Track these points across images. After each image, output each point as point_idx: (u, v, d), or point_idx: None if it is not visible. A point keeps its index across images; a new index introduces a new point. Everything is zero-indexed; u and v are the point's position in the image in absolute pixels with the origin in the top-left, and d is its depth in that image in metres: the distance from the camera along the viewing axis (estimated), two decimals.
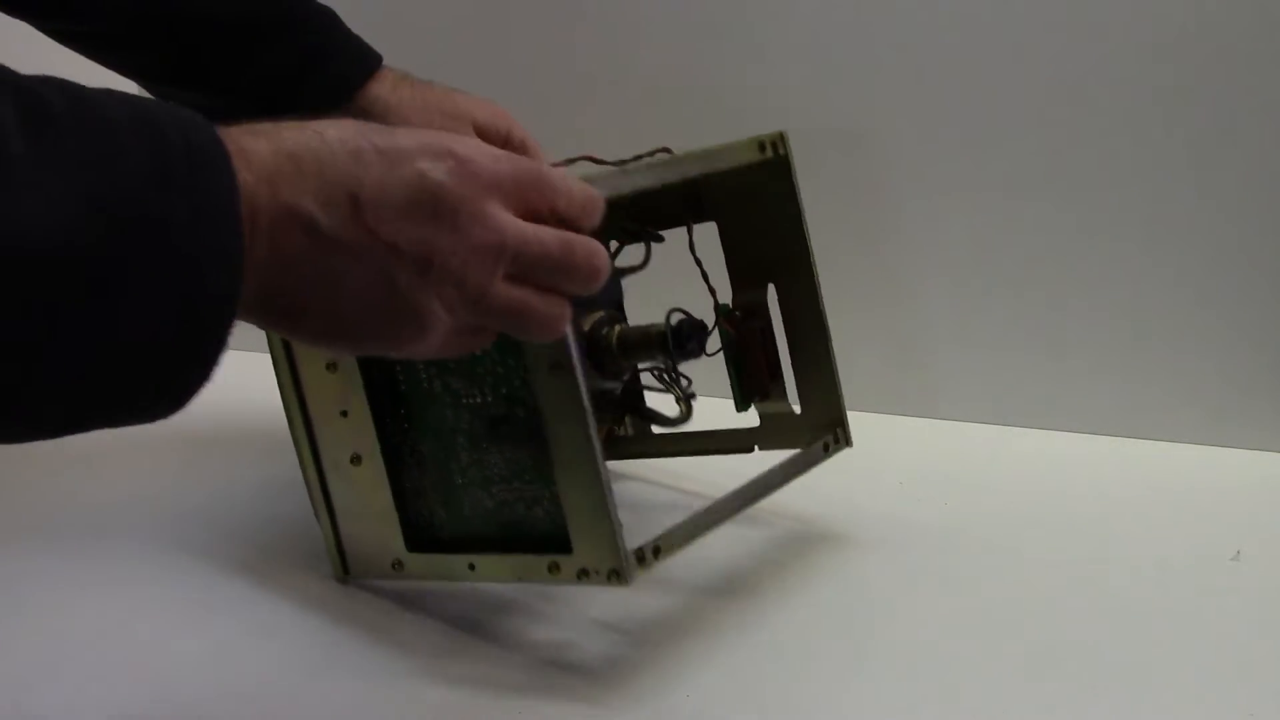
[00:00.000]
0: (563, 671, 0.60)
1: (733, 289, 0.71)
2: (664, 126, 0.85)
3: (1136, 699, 0.58)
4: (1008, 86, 0.77)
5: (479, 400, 0.61)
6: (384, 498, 0.64)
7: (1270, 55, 0.73)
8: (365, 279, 0.42)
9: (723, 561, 0.69)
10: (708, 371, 0.69)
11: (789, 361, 0.71)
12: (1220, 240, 0.78)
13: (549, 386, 0.54)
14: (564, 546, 0.57)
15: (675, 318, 0.66)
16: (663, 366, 0.70)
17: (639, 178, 0.58)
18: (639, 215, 0.70)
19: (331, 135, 0.42)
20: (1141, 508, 0.74)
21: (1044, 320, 0.82)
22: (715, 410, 0.73)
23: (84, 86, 0.38)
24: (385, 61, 0.74)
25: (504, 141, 0.74)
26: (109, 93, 0.38)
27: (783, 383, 0.71)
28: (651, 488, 0.80)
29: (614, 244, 0.71)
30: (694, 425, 0.72)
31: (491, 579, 0.62)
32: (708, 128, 0.84)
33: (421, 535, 0.65)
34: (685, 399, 0.72)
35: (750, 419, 0.72)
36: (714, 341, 0.68)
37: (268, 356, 0.64)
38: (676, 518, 0.60)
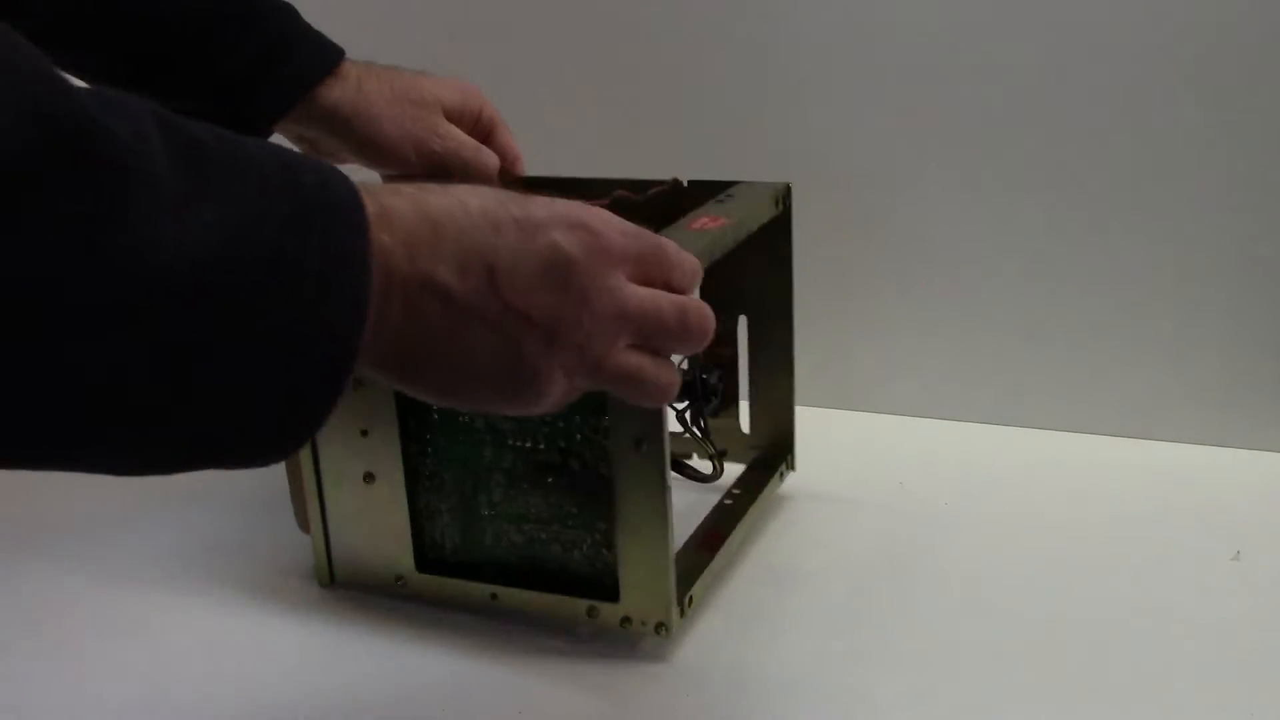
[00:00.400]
0: (563, 671, 0.60)
1: None
2: (658, 129, 0.85)
3: (1137, 699, 0.58)
4: (1008, 85, 0.77)
5: (529, 445, 0.61)
6: (397, 518, 0.64)
7: (1270, 55, 0.73)
8: (494, 345, 0.43)
9: (721, 558, 0.68)
10: None
11: (745, 385, 0.75)
12: (1220, 240, 0.78)
13: (631, 459, 0.57)
14: (604, 593, 0.60)
15: (690, 363, 0.66)
16: (687, 416, 0.69)
17: (715, 247, 0.60)
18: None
19: (473, 204, 0.43)
20: (1141, 508, 0.74)
21: (1044, 320, 0.82)
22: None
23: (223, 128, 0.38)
24: (369, 54, 0.72)
25: (474, 122, 0.73)
26: (249, 137, 0.39)
27: (736, 405, 0.75)
28: None
29: None
30: None
31: (514, 610, 0.63)
32: (699, 132, 0.84)
33: (430, 556, 0.65)
34: (717, 455, 0.71)
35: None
36: None
37: None
38: None
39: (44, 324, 0.32)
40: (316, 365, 0.38)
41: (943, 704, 0.58)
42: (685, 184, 0.70)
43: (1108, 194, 0.78)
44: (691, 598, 0.61)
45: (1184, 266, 0.79)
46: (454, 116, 0.71)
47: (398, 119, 0.69)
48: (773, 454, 0.74)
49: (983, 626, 0.63)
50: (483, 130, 0.73)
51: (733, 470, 0.73)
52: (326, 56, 0.70)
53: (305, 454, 0.64)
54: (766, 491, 0.72)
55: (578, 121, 0.87)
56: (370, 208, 0.39)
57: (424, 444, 0.63)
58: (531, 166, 0.75)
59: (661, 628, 0.60)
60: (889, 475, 0.77)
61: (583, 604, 0.61)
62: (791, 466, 0.75)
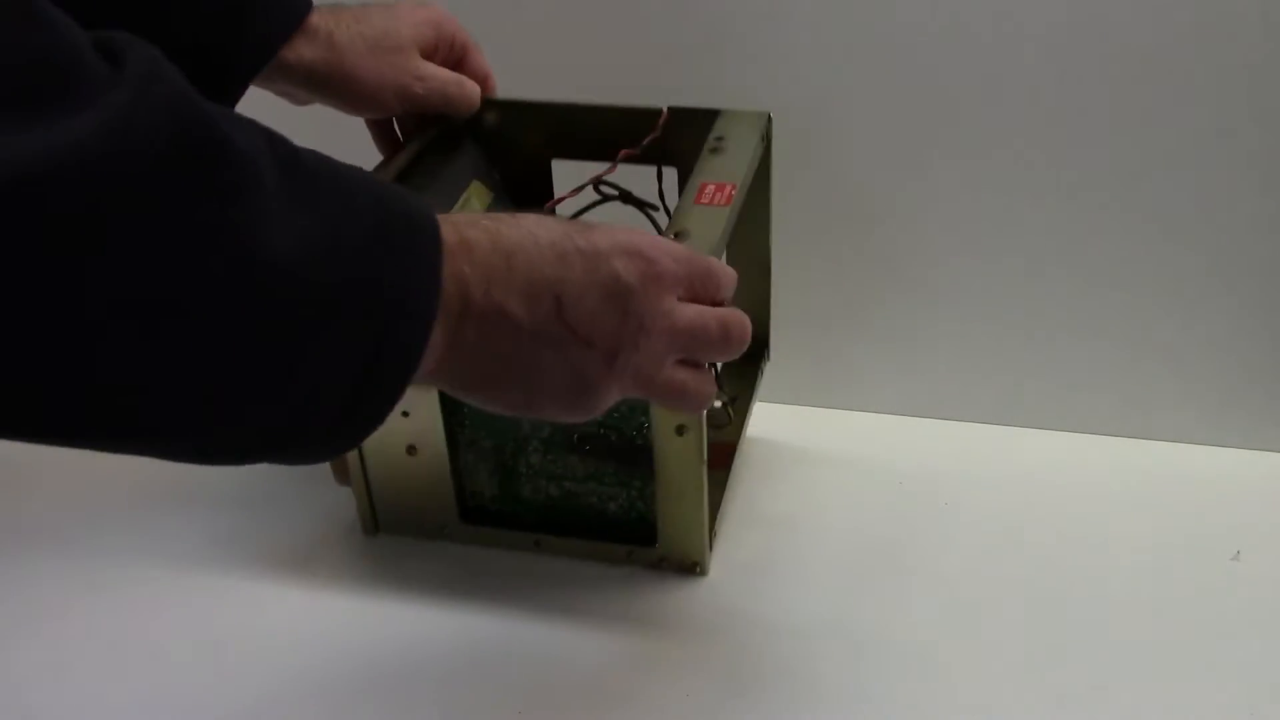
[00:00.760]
0: (563, 672, 0.60)
1: None
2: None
3: (1137, 698, 0.58)
4: (1009, 83, 0.77)
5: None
6: (440, 480, 0.67)
7: (1270, 55, 0.73)
8: (558, 366, 0.47)
9: (722, 562, 0.69)
10: None
11: None
12: (1221, 240, 0.78)
13: (673, 443, 0.62)
14: (640, 538, 0.66)
15: None
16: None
17: (730, 225, 0.62)
18: (597, 141, 0.70)
19: (543, 237, 0.47)
20: (1141, 508, 0.74)
21: (1044, 320, 0.82)
22: None
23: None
24: None
25: (449, 50, 0.71)
26: (340, 162, 0.43)
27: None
28: None
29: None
30: None
31: (556, 554, 0.68)
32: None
33: (471, 505, 0.69)
34: (729, 401, 0.71)
35: None
36: None
37: None
38: None
39: (159, 316, 0.36)
40: (378, 374, 0.41)
41: (942, 704, 0.58)
42: (666, 110, 0.70)
43: (1108, 194, 0.78)
44: (715, 531, 0.68)
45: (1184, 266, 0.79)
46: (430, 53, 0.70)
47: (375, 69, 0.67)
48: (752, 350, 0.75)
49: (982, 626, 0.63)
50: (455, 56, 0.72)
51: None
52: (291, 12, 0.67)
53: None
54: (756, 385, 0.75)
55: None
56: (449, 238, 0.44)
57: (462, 418, 0.66)
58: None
59: (696, 567, 0.67)
60: (889, 475, 0.77)
61: (621, 549, 0.67)
62: (768, 357, 0.77)
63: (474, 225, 0.46)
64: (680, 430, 0.61)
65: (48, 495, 0.76)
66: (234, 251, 0.37)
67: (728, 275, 0.54)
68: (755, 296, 0.75)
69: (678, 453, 0.62)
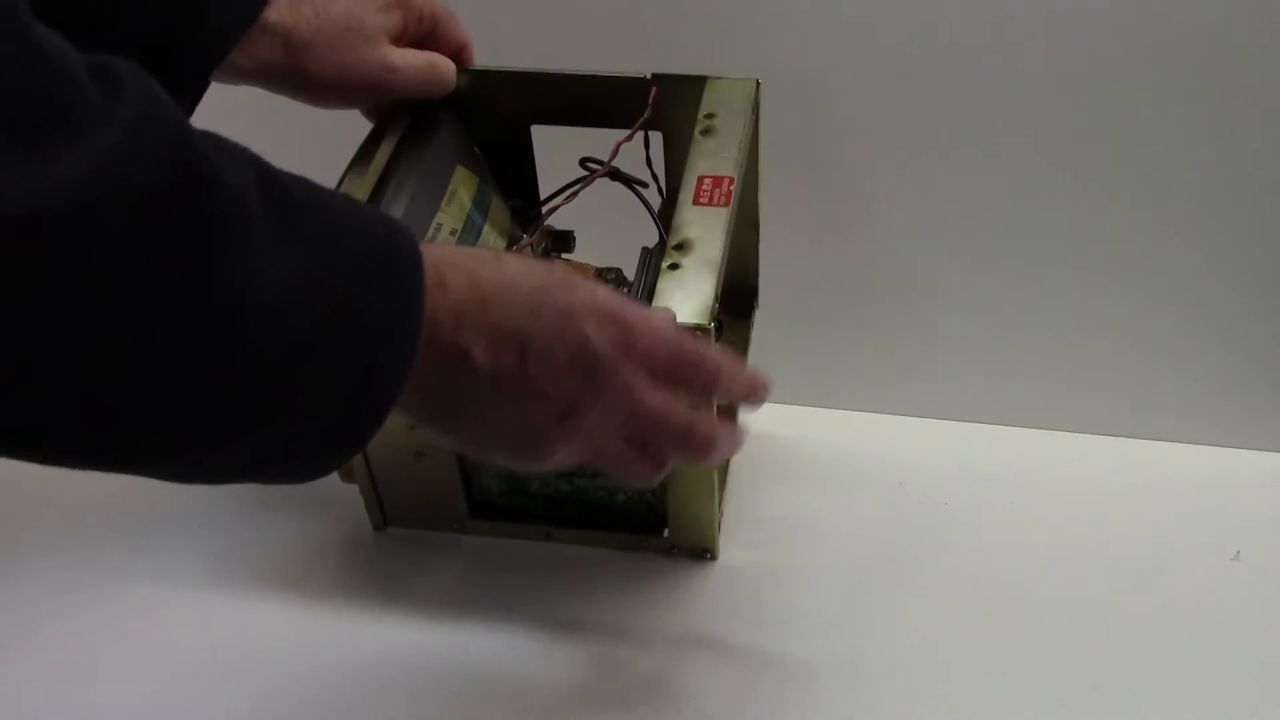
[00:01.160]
0: (563, 672, 0.60)
1: (660, 213, 0.69)
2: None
3: (1137, 698, 0.58)
4: (1010, 82, 0.77)
5: None
6: (449, 482, 0.67)
7: (1271, 55, 0.73)
8: (511, 414, 0.47)
9: (722, 561, 0.69)
10: None
11: None
12: (1221, 239, 0.78)
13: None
14: (648, 528, 0.68)
15: None
16: None
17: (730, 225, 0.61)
18: (579, 108, 0.69)
19: (522, 286, 0.47)
20: (1141, 508, 0.74)
21: (1044, 320, 0.82)
22: None
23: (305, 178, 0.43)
24: None
25: (417, 25, 0.67)
26: (329, 190, 0.44)
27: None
28: None
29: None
30: None
31: (568, 543, 0.69)
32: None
33: (480, 502, 0.69)
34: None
35: None
36: None
37: None
38: None
39: (148, 351, 0.37)
40: (357, 408, 0.42)
41: (942, 704, 0.58)
42: (650, 77, 0.68)
43: (1108, 194, 0.78)
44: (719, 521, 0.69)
45: (1184, 266, 0.79)
46: (399, 35, 0.66)
47: (338, 65, 0.63)
48: (742, 303, 0.76)
49: (982, 626, 0.63)
50: (425, 29, 0.68)
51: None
52: (245, 8, 0.62)
53: None
54: (749, 336, 0.75)
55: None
56: (429, 275, 0.44)
57: None
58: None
59: (706, 553, 0.68)
60: (889, 475, 0.77)
61: (632, 538, 0.68)
62: (757, 306, 0.77)
63: (455, 267, 0.46)
64: None
65: (49, 498, 0.76)
66: (221, 289, 0.38)
67: (722, 370, 0.52)
68: (744, 250, 0.74)
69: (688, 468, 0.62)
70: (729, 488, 0.72)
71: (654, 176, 0.69)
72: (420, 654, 0.62)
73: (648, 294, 0.59)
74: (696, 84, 0.67)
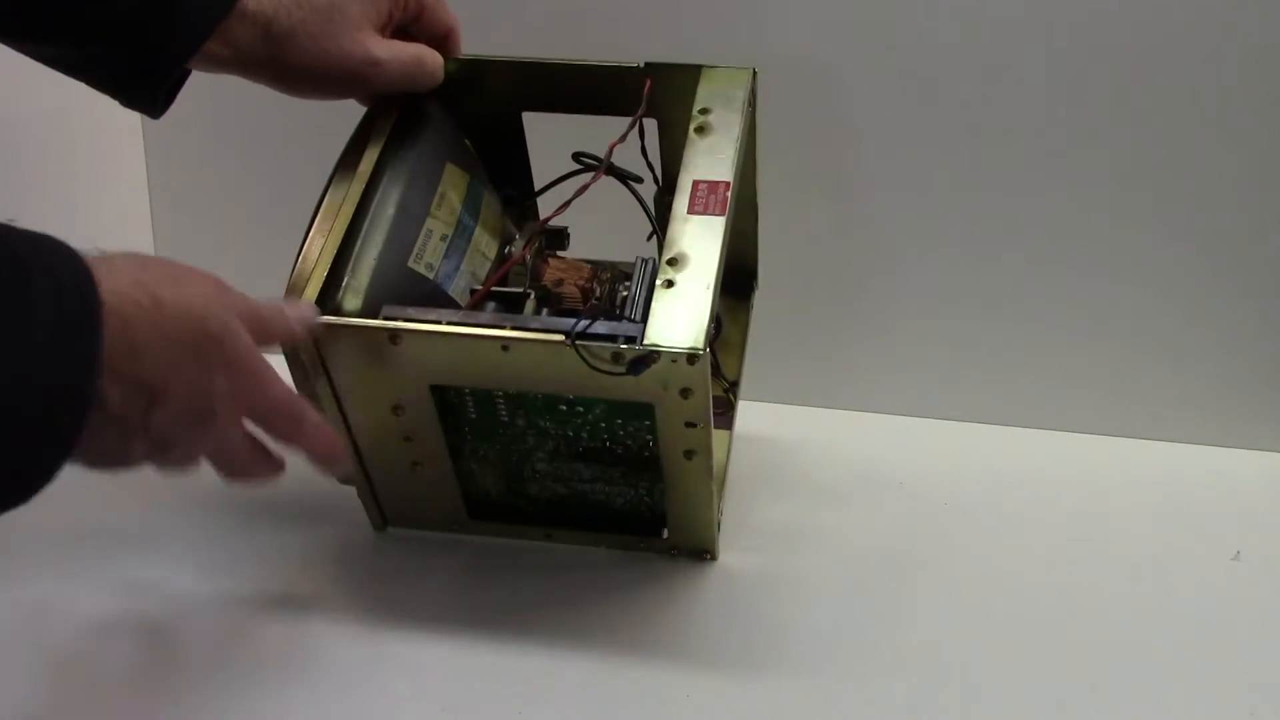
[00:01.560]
0: (563, 672, 0.60)
1: (657, 200, 0.68)
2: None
3: (1137, 699, 0.58)
4: (1011, 81, 0.77)
5: (571, 435, 0.63)
6: (446, 487, 0.67)
7: (1271, 55, 0.73)
8: (112, 444, 0.48)
9: (721, 562, 0.69)
10: None
11: None
12: (1221, 240, 0.78)
13: (682, 465, 0.62)
14: (647, 530, 0.68)
15: None
16: None
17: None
18: (571, 96, 0.68)
19: (171, 335, 0.47)
20: (1141, 508, 0.74)
21: (1044, 320, 0.82)
22: None
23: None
24: None
25: (404, 12, 0.64)
26: (14, 231, 0.44)
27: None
28: None
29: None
30: None
31: (567, 544, 0.70)
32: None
33: (479, 501, 0.69)
34: (731, 389, 0.71)
35: None
36: None
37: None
38: None
39: None
40: (32, 465, 0.44)
41: (942, 704, 0.58)
42: (644, 66, 0.66)
43: (1108, 194, 0.78)
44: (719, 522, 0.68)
45: (1184, 266, 0.79)
46: (384, 24, 0.64)
47: (321, 58, 0.61)
48: (742, 284, 0.76)
49: (982, 626, 0.63)
50: (411, 13, 0.66)
51: None
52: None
53: (342, 430, 0.64)
54: (749, 317, 0.75)
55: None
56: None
57: (464, 434, 0.65)
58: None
59: (705, 554, 0.68)
60: (889, 475, 0.77)
61: (632, 539, 0.68)
62: (756, 287, 0.76)
63: (116, 313, 0.45)
64: (689, 455, 0.61)
65: (52, 501, 0.75)
66: None
67: (306, 428, 0.55)
68: (744, 233, 0.73)
69: (688, 472, 0.62)
70: (728, 488, 0.72)
71: (649, 166, 0.67)
72: (420, 654, 0.62)
73: (644, 310, 0.59)
74: (691, 73, 0.66)
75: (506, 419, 0.63)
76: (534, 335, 0.57)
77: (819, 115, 0.80)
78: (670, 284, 0.57)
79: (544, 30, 0.75)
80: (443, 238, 0.63)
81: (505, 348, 0.57)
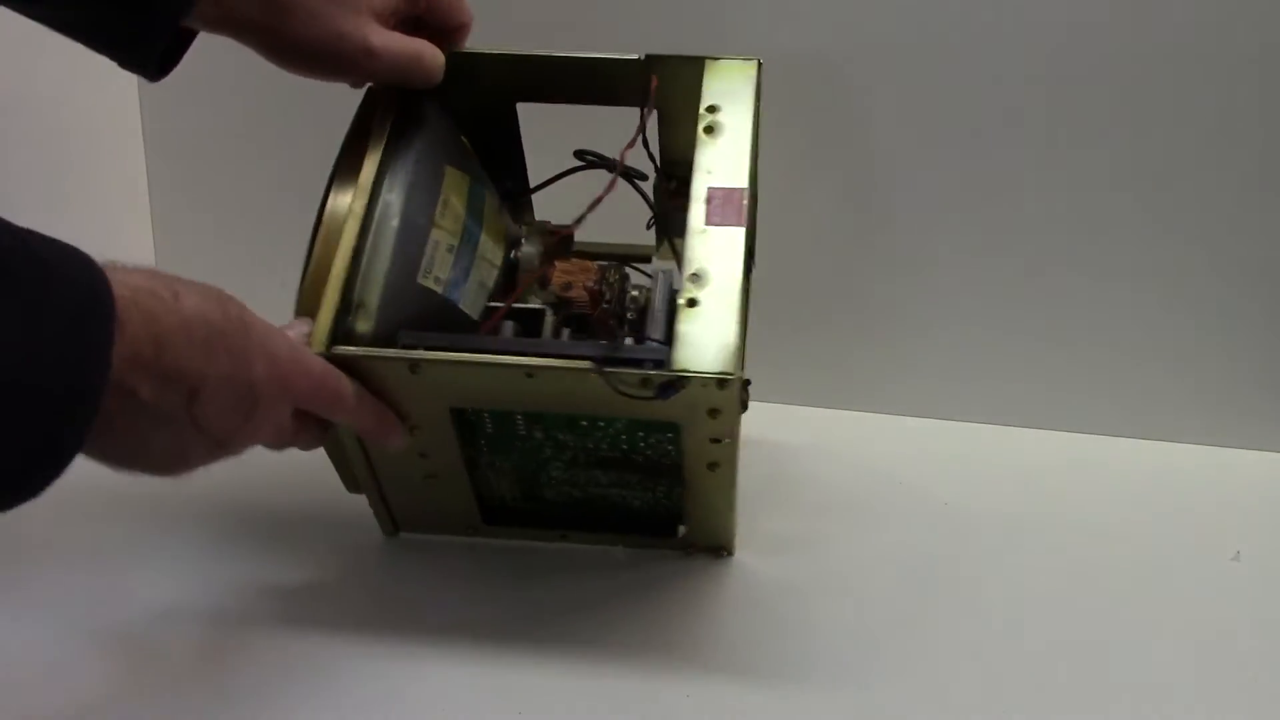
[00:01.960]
0: (562, 672, 0.60)
1: (656, 192, 0.67)
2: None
3: (1137, 699, 0.58)
4: (1012, 81, 0.77)
5: (590, 446, 0.62)
6: (461, 498, 0.66)
7: (1271, 55, 0.73)
8: (164, 440, 0.49)
9: (721, 561, 0.69)
10: None
11: None
12: (1221, 240, 0.78)
13: (705, 477, 0.62)
14: (664, 528, 0.67)
15: None
16: None
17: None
18: (569, 88, 0.66)
19: (197, 332, 0.48)
20: (1141, 508, 0.74)
21: (1044, 319, 0.82)
22: None
23: (13, 226, 0.43)
24: None
25: (412, 5, 0.63)
26: (33, 234, 0.44)
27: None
28: None
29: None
30: None
31: (584, 544, 0.69)
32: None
33: (494, 508, 0.68)
34: (744, 384, 0.71)
35: None
36: None
37: None
38: None
39: None
40: (34, 460, 0.44)
41: (942, 704, 0.58)
42: (644, 59, 0.64)
43: (1108, 194, 0.78)
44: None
45: (1184, 266, 0.79)
46: (389, 14, 0.62)
47: (316, 37, 0.60)
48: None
49: (982, 626, 0.63)
50: (421, 7, 0.64)
51: None
52: None
53: (356, 454, 0.63)
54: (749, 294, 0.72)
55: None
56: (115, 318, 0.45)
57: (480, 446, 0.63)
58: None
59: (722, 550, 0.68)
60: (889, 475, 0.77)
61: (648, 538, 0.68)
62: (754, 266, 0.73)
63: (134, 305, 0.46)
64: (713, 466, 0.61)
65: (57, 505, 0.75)
66: None
67: (347, 402, 0.57)
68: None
69: (711, 481, 0.62)
70: None
71: (650, 156, 0.66)
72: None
73: (666, 329, 0.58)
74: (693, 65, 0.64)
75: (524, 433, 0.62)
76: (560, 363, 0.55)
77: (819, 113, 0.80)
78: (694, 303, 0.56)
79: (536, 18, 0.74)
80: (449, 248, 0.61)
81: (530, 375, 0.56)
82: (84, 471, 0.46)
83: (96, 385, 0.44)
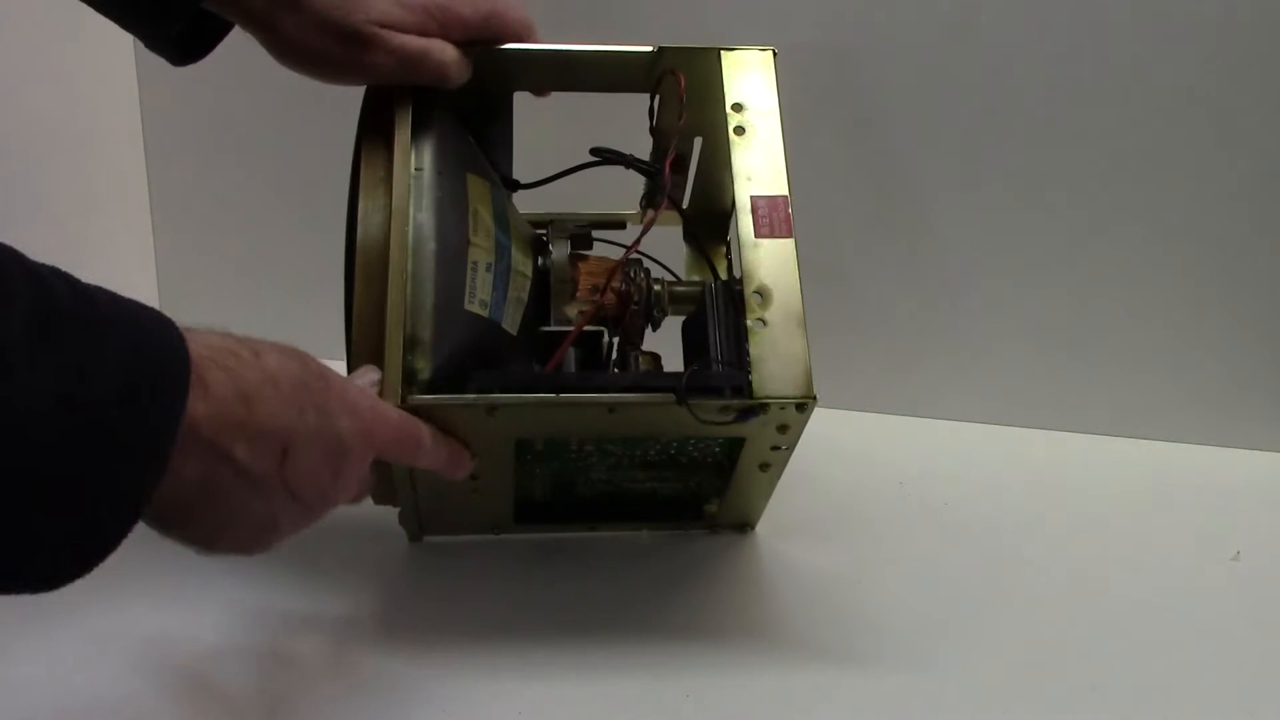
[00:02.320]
0: (563, 673, 0.60)
1: (651, 165, 0.66)
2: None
3: (1137, 699, 0.58)
4: (1014, 82, 0.77)
5: (638, 454, 0.62)
6: (499, 505, 0.66)
7: (1271, 55, 0.73)
8: (258, 511, 0.47)
9: (721, 561, 0.69)
10: None
11: None
12: (1220, 240, 0.78)
13: (755, 476, 0.63)
14: (688, 513, 0.68)
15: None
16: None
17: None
18: (577, 78, 0.65)
19: (284, 385, 0.46)
20: (1141, 508, 0.74)
21: (1045, 320, 0.82)
22: None
23: (83, 283, 0.41)
24: None
25: (437, 29, 0.61)
26: (103, 290, 0.42)
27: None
28: None
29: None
30: None
31: (612, 531, 0.70)
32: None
33: (526, 509, 0.67)
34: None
35: None
36: None
37: None
38: None
39: None
40: (102, 516, 0.41)
41: (941, 704, 0.58)
42: (658, 49, 0.63)
43: (1108, 194, 0.78)
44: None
45: (1184, 266, 0.79)
46: (396, 23, 0.60)
47: (319, 38, 0.59)
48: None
49: (981, 626, 0.63)
50: (443, 32, 0.62)
51: None
52: None
53: (404, 475, 0.62)
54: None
55: None
56: (192, 375, 0.43)
57: (526, 461, 0.62)
58: None
59: (745, 526, 0.70)
60: (889, 475, 0.77)
61: (674, 522, 0.69)
62: None
63: (215, 364, 0.44)
64: (764, 467, 0.62)
65: None
66: None
67: (437, 454, 0.56)
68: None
69: (758, 478, 0.64)
70: None
71: (656, 142, 0.66)
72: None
73: (734, 348, 0.59)
74: (706, 56, 0.62)
75: (575, 448, 0.62)
76: (643, 397, 0.56)
77: (818, 110, 0.80)
78: (763, 323, 0.57)
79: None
80: (488, 267, 0.59)
81: (612, 410, 0.56)
82: None
83: (168, 431, 0.42)
